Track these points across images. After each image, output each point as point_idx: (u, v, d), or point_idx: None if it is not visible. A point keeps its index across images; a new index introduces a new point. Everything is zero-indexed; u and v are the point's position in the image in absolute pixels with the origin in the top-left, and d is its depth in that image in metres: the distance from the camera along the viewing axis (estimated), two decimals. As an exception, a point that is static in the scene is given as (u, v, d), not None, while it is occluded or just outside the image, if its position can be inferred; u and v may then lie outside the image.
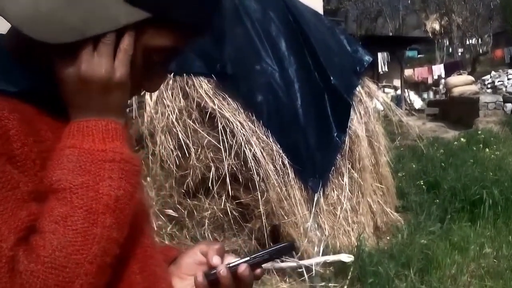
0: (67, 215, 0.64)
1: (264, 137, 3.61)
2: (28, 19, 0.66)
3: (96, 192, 0.65)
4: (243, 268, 0.78)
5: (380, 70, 17.25)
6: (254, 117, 3.62)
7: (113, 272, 0.68)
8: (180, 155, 3.49)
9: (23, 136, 0.66)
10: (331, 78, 3.97)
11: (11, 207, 0.63)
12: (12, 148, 0.65)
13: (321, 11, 6.12)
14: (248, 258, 0.79)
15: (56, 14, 0.66)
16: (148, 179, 3.75)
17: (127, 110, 3.49)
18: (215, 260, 0.80)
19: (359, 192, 4.46)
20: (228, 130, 3.49)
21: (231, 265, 0.79)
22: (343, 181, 4.35)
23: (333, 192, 4.29)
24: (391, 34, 27.66)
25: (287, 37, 3.91)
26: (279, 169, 3.59)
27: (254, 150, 3.48)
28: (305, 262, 3.72)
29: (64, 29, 0.66)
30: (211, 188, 3.65)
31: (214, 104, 3.48)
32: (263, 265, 0.82)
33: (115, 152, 0.68)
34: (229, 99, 3.58)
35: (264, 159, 3.51)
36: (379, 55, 16.59)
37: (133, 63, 0.70)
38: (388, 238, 4.65)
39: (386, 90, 17.99)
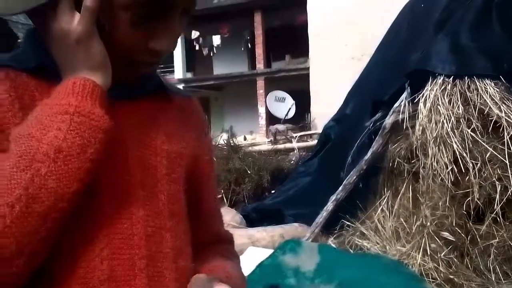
0: (2, 160, 0.66)
1: None
2: None
3: (39, 142, 0.66)
4: None
5: None
6: (557, 125, 2.86)
7: (69, 246, 0.70)
8: (455, 170, 3.02)
9: (8, 102, 0.71)
10: None
11: None
12: None
13: None
14: None
15: None
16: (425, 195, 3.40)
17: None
18: None
19: None
20: (517, 142, 2.85)
21: None
22: None
23: None
24: None
25: None
26: None
27: (555, 167, 2.74)
28: None
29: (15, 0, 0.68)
30: (498, 211, 3.04)
31: (500, 111, 2.89)
32: None
33: (70, 105, 0.68)
34: (520, 104, 2.93)
35: None
36: None
37: (111, 20, 0.71)
38: None
39: None
